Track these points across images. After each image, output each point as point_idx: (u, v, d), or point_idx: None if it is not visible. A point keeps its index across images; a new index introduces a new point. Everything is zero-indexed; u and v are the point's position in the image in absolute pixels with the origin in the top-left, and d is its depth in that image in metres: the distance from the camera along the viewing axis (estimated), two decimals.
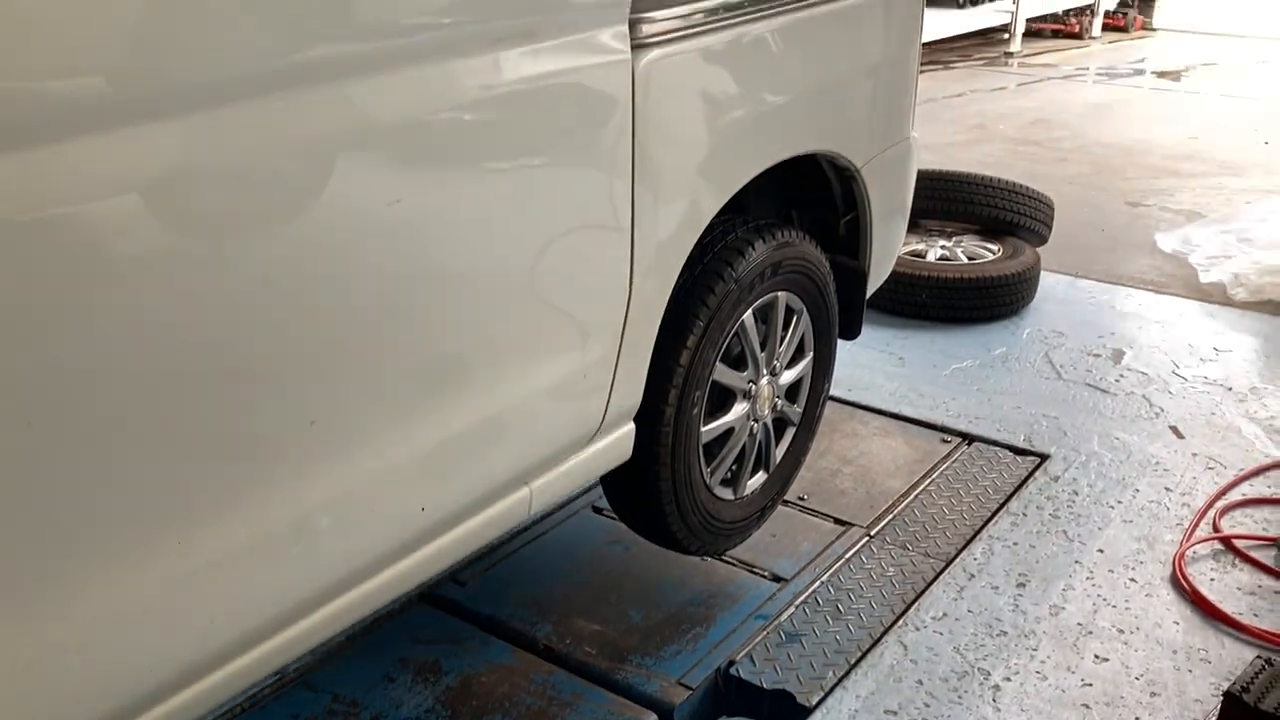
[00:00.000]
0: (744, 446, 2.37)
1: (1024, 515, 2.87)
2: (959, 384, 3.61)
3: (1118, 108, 8.31)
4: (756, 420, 2.37)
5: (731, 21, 1.96)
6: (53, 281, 1.13)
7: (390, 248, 1.46)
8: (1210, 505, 2.91)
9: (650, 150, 1.81)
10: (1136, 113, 8.10)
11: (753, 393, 2.32)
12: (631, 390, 2.00)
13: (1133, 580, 2.61)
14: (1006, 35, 10.74)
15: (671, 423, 2.11)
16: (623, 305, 1.89)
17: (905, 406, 3.44)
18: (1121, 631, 2.44)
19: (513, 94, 1.58)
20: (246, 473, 1.39)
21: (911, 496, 2.94)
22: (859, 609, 2.48)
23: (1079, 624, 2.46)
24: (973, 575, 2.62)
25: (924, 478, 3.04)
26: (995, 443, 3.22)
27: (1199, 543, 2.76)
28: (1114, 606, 2.52)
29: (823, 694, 2.23)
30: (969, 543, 2.74)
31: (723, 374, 2.22)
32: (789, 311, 2.36)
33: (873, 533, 2.77)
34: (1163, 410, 3.43)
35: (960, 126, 7.55)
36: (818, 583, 2.56)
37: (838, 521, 2.82)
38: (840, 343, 2.64)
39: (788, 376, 2.43)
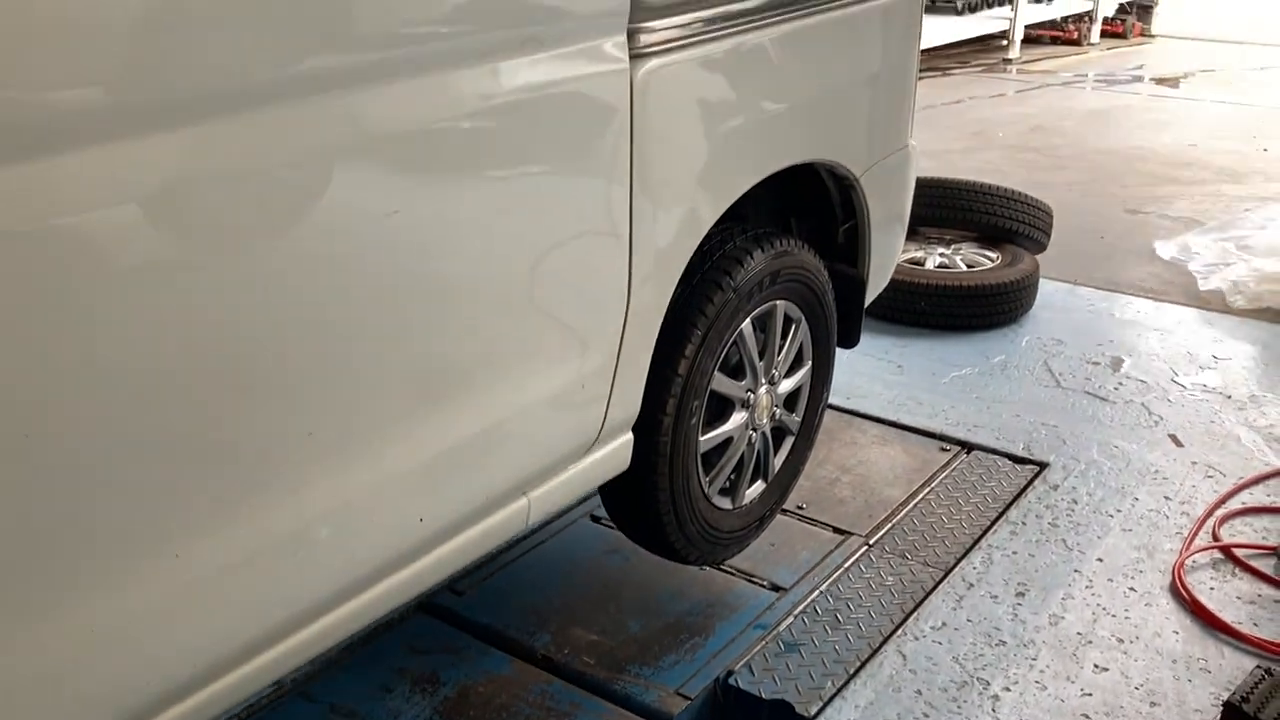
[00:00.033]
0: (742, 456, 2.37)
1: (1023, 524, 2.87)
2: (958, 392, 3.61)
3: (1116, 114, 8.32)
4: (755, 429, 2.37)
5: (729, 31, 1.96)
6: (53, 292, 1.13)
7: (389, 259, 1.46)
8: (1209, 514, 2.90)
9: (649, 159, 1.81)
10: (1135, 120, 8.11)
11: (751, 402, 2.32)
12: (630, 400, 2.00)
13: (1132, 589, 2.61)
14: (1005, 42, 10.77)
15: (670, 432, 2.11)
16: (621, 315, 1.88)
17: (904, 414, 3.44)
18: (1121, 641, 2.44)
19: (511, 104, 1.58)
20: (245, 483, 1.39)
21: (910, 505, 2.93)
22: (858, 618, 2.47)
23: (1078, 633, 2.45)
24: (972, 584, 2.62)
25: (923, 486, 3.03)
26: (994, 451, 3.22)
27: (1198, 551, 2.76)
28: (1113, 616, 2.52)
29: (822, 704, 2.23)
30: (968, 552, 2.74)
31: (721, 383, 2.22)
32: (787, 320, 2.36)
33: (871, 542, 2.77)
34: (1162, 418, 3.43)
35: (959, 133, 7.56)
36: (816, 592, 2.56)
37: (836, 530, 2.82)
38: (839, 350, 2.64)
39: (786, 385, 2.43)
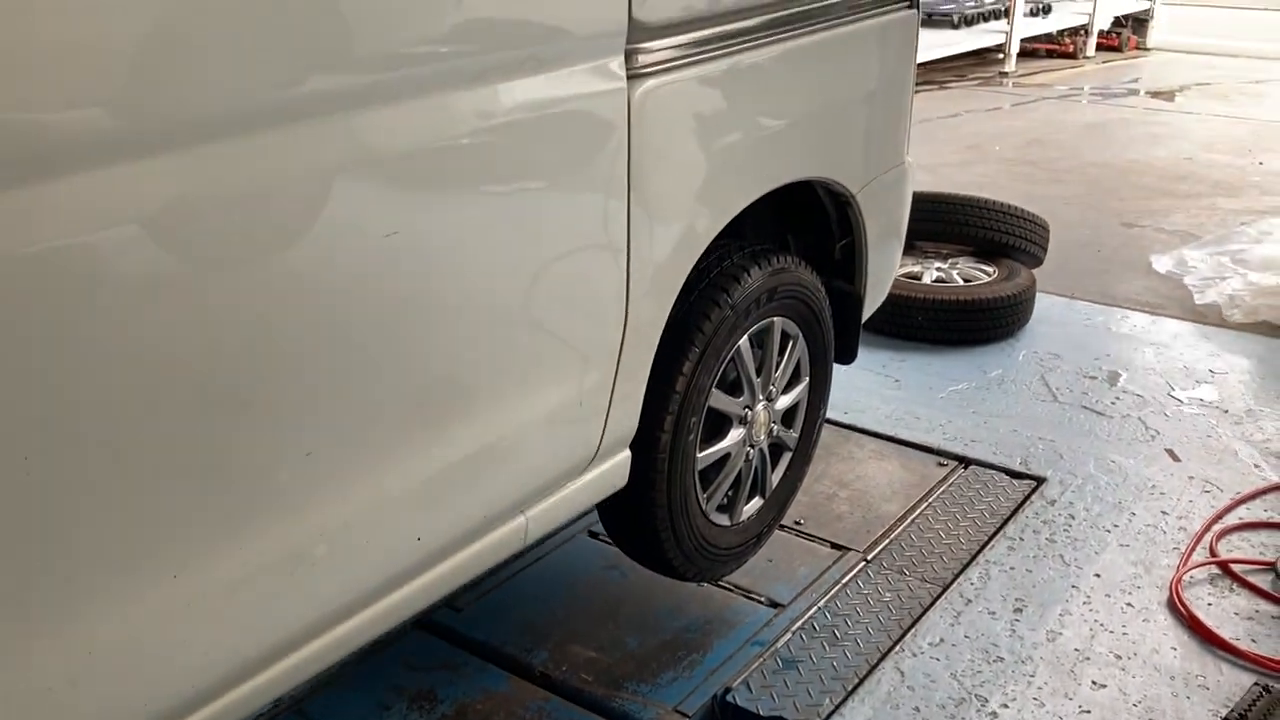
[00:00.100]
0: (740, 472, 2.37)
1: (1021, 539, 2.87)
2: (955, 406, 3.61)
3: (1112, 128, 8.34)
4: (753, 446, 2.37)
5: (726, 51, 1.97)
6: (54, 314, 1.14)
7: (388, 280, 1.47)
8: (1207, 529, 2.91)
9: (647, 178, 1.82)
10: (1131, 133, 8.13)
11: (749, 418, 2.32)
12: (628, 417, 2.00)
13: (1130, 605, 2.61)
14: (1001, 55, 10.79)
15: (667, 449, 2.11)
16: (619, 333, 1.89)
17: (902, 429, 3.44)
18: (1119, 657, 2.44)
19: (510, 124, 1.59)
20: (244, 504, 1.39)
21: (908, 521, 2.93)
22: (856, 635, 2.47)
23: (1076, 650, 2.45)
24: (970, 600, 2.62)
25: (920, 501, 3.03)
26: (992, 466, 3.23)
27: (1196, 567, 2.76)
28: (1111, 632, 2.52)
29: None
30: (966, 567, 2.74)
31: (719, 400, 2.22)
32: (785, 337, 2.37)
33: (869, 557, 2.77)
34: (1159, 433, 3.44)
35: (955, 147, 7.58)
36: (814, 608, 2.56)
37: (834, 546, 2.82)
38: (836, 365, 2.65)
39: (784, 402, 2.43)
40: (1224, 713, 2.21)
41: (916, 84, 2.83)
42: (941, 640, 2.48)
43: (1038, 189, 6.41)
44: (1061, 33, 11.74)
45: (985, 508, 3.00)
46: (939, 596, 2.62)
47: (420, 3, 1.42)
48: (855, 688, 2.32)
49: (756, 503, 2.48)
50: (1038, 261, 4.48)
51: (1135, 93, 9.94)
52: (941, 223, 4.40)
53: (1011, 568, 2.75)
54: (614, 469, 2.04)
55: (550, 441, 1.86)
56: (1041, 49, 11.68)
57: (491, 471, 1.75)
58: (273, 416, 1.38)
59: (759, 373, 2.31)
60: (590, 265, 1.80)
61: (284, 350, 1.37)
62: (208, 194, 1.24)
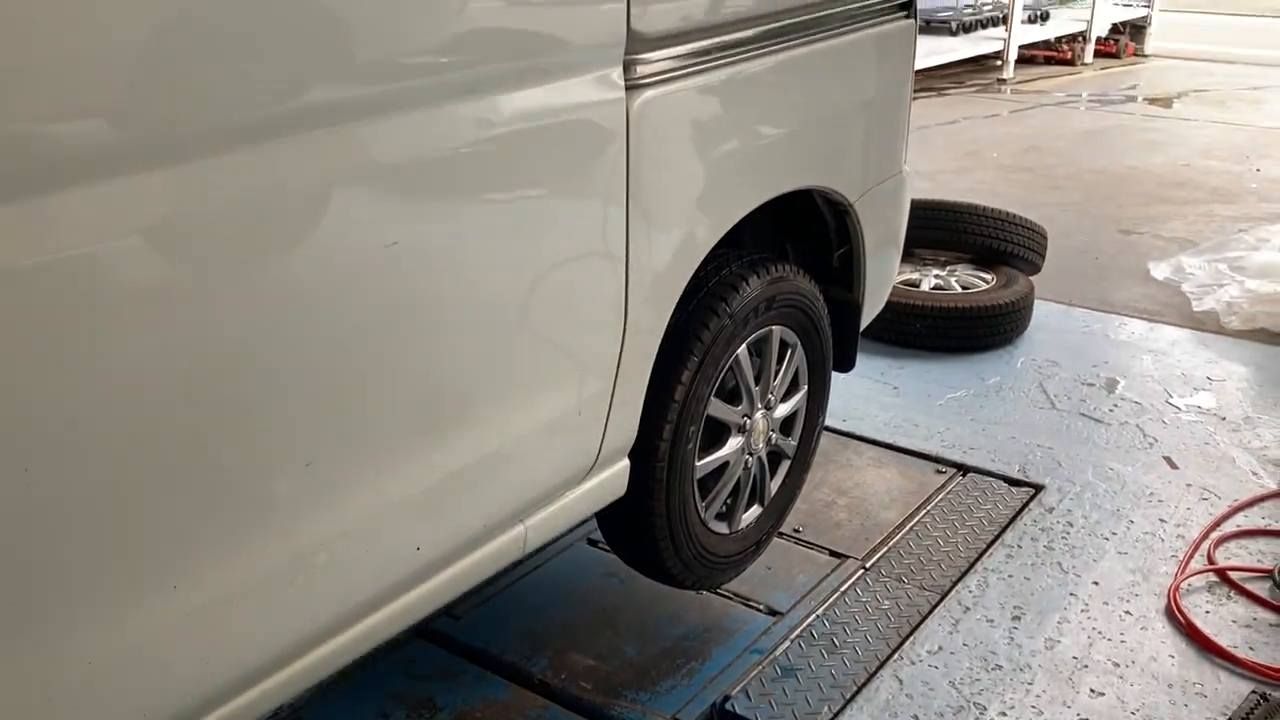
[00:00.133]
0: (739, 480, 2.37)
1: (1019, 547, 2.87)
2: (954, 414, 3.61)
3: (1110, 135, 8.36)
4: (751, 454, 2.38)
5: (724, 61, 1.98)
6: (54, 326, 1.14)
7: (388, 291, 1.47)
8: (1205, 536, 2.91)
9: (645, 188, 1.83)
10: (1129, 140, 8.15)
11: (747, 427, 2.32)
12: (627, 426, 2.01)
13: (1128, 613, 2.62)
14: (999, 62, 10.83)
15: (666, 458, 2.12)
16: (618, 343, 1.89)
17: (900, 437, 3.44)
18: (1117, 665, 2.44)
19: (510, 135, 1.59)
20: (244, 514, 1.39)
21: (907, 528, 2.94)
22: (854, 643, 2.47)
23: (1074, 657, 2.46)
24: (968, 608, 2.62)
25: (919, 509, 3.04)
26: (990, 473, 3.23)
27: (1194, 575, 2.76)
28: (1109, 640, 2.52)
29: None
30: (964, 575, 2.74)
31: (717, 408, 2.23)
32: (783, 345, 2.37)
33: (868, 565, 2.77)
34: (1157, 440, 3.44)
35: (953, 153, 7.59)
36: (813, 616, 2.56)
37: (833, 554, 2.82)
38: (835, 373, 2.65)
39: (782, 410, 2.44)
40: None
41: (914, 90, 2.84)
42: (940, 648, 2.48)
43: (1035, 196, 6.43)
44: (1059, 39, 11.78)
45: (983, 515, 3.01)
46: (937, 604, 2.63)
47: (422, 15, 1.43)
48: (854, 696, 2.32)
49: (755, 510, 2.49)
50: (1036, 269, 4.49)
51: (1133, 99, 9.97)
52: (940, 230, 4.41)
53: (1010, 575, 2.75)
54: (613, 478, 2.04)
55: (549, 450, 1.86)
56: (1039, 56, 11.71)
57: (491, 480, 1.75)
58: (273, 427, 1.39)
59: (758, 381, 2.31)
60: (589, 274, 1.81)
61: (284, 362, 1.37)
62: (208, 206, 1.24)
